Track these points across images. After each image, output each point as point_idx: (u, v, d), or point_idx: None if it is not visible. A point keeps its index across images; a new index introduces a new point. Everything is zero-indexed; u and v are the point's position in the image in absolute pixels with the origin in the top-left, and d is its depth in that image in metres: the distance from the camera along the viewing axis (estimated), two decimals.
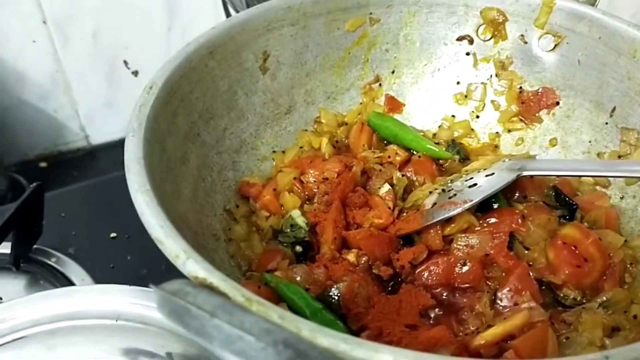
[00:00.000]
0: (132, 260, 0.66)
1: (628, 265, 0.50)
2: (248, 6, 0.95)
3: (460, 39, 0.64)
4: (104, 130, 1.18)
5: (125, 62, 1.10)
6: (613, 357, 0.30)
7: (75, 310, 0.51)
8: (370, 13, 0.63)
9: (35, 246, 0.66)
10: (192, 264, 0.34)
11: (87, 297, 0.51)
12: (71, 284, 0.63)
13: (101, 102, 1.15)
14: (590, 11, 0.57)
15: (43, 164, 1.11)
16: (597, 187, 0.57)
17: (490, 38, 0.63)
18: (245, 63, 0.58)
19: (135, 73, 1.12)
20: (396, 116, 0.67)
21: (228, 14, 0.99)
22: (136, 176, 0.40)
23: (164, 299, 0.28)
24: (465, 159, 0.61)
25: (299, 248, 0.50)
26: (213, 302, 0.25)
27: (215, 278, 0.33)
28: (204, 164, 0.54)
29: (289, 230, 0.51)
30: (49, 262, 0.65)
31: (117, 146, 1.23)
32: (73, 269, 0.64)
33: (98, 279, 0.63)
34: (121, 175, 0.83)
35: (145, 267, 0.65)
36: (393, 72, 0.66)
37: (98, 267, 0.64)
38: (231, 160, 0.58)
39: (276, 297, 0.46)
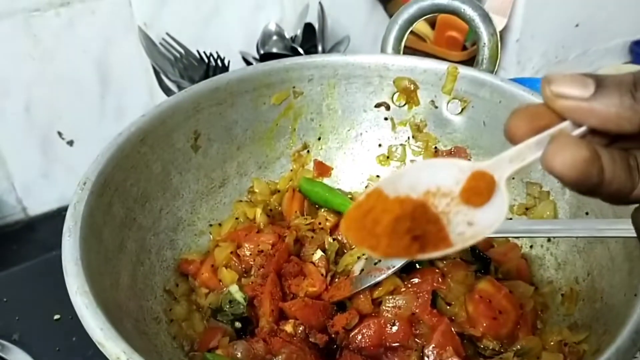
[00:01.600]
0: (77, 341, 0.67)
1: (539, 312, 0.55)
2: (179, 72, 0.99)
3: (378, 105, 0.69)
4: (42, 201, 1.18)
5: (60, 133, 1.11)
6: None
7: None
8: (294, 87, 0.68)
9: None
10: None
11: None
12: None
13: (37, 174, 1.15)
14: (490, 78, 0.63)
15: None
16: (510, 239, 0.62)
17: (405, 104, 0.68)
18: (177, 144, 0.61)
19: (71, 143, 1.13)
20: (325, 180, 0.71)
21: (160, 80, 1.02)
22: (74, 278, 0.43)
23: None
24: None
25: (238, 324, 0.53)
26: None
27: None
28: (142, 248, 0.56)
29: (227, 307, 0.54)
30: None
31: (56, 216, 1.22)
32: (19, 356, 0.65)
33: None
34: (58, 255, 0.83)
35: (91, 347, 0.66)
36: (319, 138, 0.71)
37: (44, 351, 0.65)
38: (169, 239, 0.60)
39: None
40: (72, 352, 0.66)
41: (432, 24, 1.07)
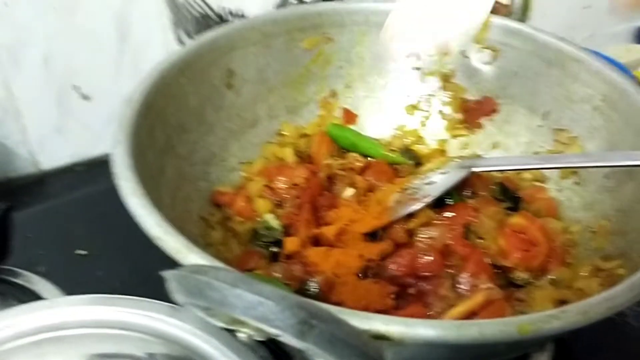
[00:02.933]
0: (103, 276, 0.67)
1: (569, 248, 0.56)
2: (198, 29, 0.99)
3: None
4: (55, 156, 1.17)
5: (76, 87, 1.11)
6: (569, 311, 0.35)
7: (60, 321, 0.52)
8: (325, 32, 0.68)
9: (3, 267, 0.66)
10: (194, 258, 0.38)
11: (70, 308, 0.53)
12: None
13: (52, 128, 1.14)
14: (523, 27, 0.65)
15: None
16: (536, 183, 0.63)
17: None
18: (212, 80, 0.62)
19: (86, 98, 1.12)
20: (352, 127, 0.72)
21: (179, 38, 1.02)
22: (128, 182, 0.43)
23: (182, 278, 0.31)
24: (418, 163, 0.67)
25: (274, 248, 0.54)
26: (233, 276, 0.29)
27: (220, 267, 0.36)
28: (179, 175, 0.57)
29: (264, 232, 0.55)
30: (19, 282, 0.65)
31: (68, 172, 1.22)
32: (44, 287, 0.65)
33: (70, 295, 0.64)
34: (83, 197, 0.84)
35: (117, 280, 0.67)
36: (348, 86, 0.72)
37: (69, 283, 0.65)
38: (203, 171, 0.61)
39: None
40: (98, 285, 0.66)
41: None
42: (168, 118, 0.56)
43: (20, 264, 0.67)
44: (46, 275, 0.67)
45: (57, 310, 0.53)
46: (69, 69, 1.07)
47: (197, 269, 0.30)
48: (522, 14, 0.66)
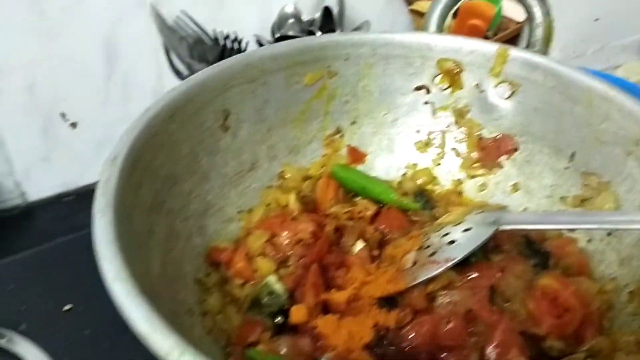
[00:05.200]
0: (90, 334, 0.62)
1: (605, 311, 0.51)
2: (191, 53, 0.94)
3: (417, 88, 0.65)
4: (42, 187, 1.12)
5: (63, 114, 1.05)
6: None
7: None
8: (329, 66, 0.63)
9: None
10: None
11: None
12: None
13: (38, 157, 1.09)
14: (544, 61, 0.59)
15: None
16: (564, 232, 0.58)
17: (447, 87, 0.64)
18: (205, 123, 0.56)
19: (74, 125, 1.07)
20: (359, 167, 0.66)
21: (171, 62, 0.97)
22: (110, 263, 0.37)
23: None
24: (433, 207, 0.61)
25: (280, 319, 0.48)
26: None
27: None
28: (171, 233, 0.51)
29: (266, 299, 0.49)
30: (0, 344, 0.60)
31: (55, 202, 1.16)
32: (27, 349, 0.59)
33: (56, 358, 0.58)
34: (68, 240, 0.78)
35: (105, 340, 0.61)
36: (353, 122, 0.66)
37: (54, 344, 0.60)
38: (197, 225, 0.55)
39: None
40: (85, 346, 0.61)
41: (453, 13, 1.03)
42: (157, 171, 0.50)
43: (1, 321, 0.62)
44: (29, 335, 0.61)
45: None
46: (55, 96, 1.01)
47: None
48: (544, 45, 0.61)
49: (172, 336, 0.33)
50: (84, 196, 1.17)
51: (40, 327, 0.62)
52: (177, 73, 0.97)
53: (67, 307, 0.65)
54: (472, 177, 0.65)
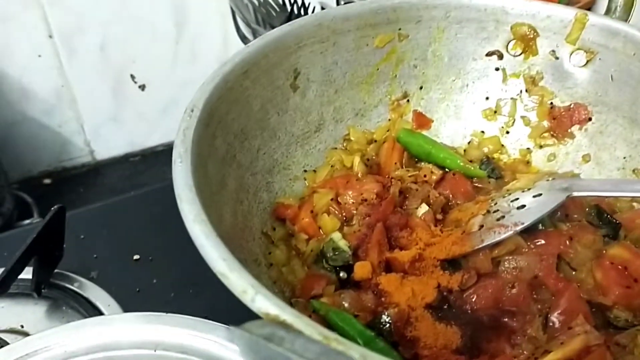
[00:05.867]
0: (157, 284, 0.64)
1: None
2: (257, 18, 0.94)
3: (489, 54, 0.64)
4: (110, 145, 1.16)
5: (132, 76, 1.09)
6: None
7: (113, 341, 0.49)
8: (399, 29, 0.62)
9: (56, 270, 0.64)
10: (262, 300, 0.33)
11: (124, 326, 0.49)
12: (96, 309, 0.61)
13: (107, 117, 1.13)
14: (625, 27, 0.57)
15: (47, 181, 1.09)
16: (635, 204, 0.56)
17: (521, 53, 0.63)
18: (277, 81, 0.57)
19: (142, 87, 1.10)
20: (424, 132, 0.66)
21: (237, 27, 0.98)
22: (190, 205, 0.39)
23: (255, 344, 0.26)
24: (499, 177, 0.61)
25: (343, 274, 0.49)
26: (314, 350, 0.24)
27: (288, 315, 0.32)
28: (241, 186, 0.53)
29: (331, 254, 0.50)
30: (72, 287, 0.63)
31: (123, 161, 1.21)
32: (97, 294, 0.62)
33: (124, 304, 0.61)
34: (136, 196, 0.80)
35: (172, 290, 0.64)
36: (421, 88, 0.66)
37: (123, 291, 0.62)
38: (265, 181, 0.57)
39: (326, 325, 0.44)
40: (152, 294, 0.63)
41: None
42: (230, 125, 0.52)
43: (73, 268, 0.65)
44: (99, 282, 0.64)
45: (110, 329, 0.50)
46: (125, 58, 1.05)
47: (271, 334, 0.26)
48: (625, 12, 0.58)
49: (248, 277, 0.34)
50: (150, 157, 1.21)
51: (110, 275, 0.65)
52: (243, 39, 0.98)
53: (135, 257, 0.67)
54: (541, 146, 0.63)
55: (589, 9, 0.93)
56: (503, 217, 0.50)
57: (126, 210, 0.76)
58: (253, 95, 0.55)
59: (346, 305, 0.46)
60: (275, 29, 0.58)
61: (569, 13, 0.59)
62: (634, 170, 0.58)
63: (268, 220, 0.55)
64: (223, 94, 0.50)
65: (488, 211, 0.52)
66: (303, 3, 0.90)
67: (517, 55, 0.63)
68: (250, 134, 0.55)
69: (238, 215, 0.50)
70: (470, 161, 0.62)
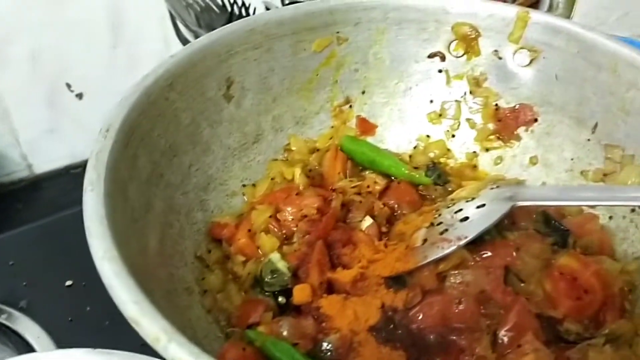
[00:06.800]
0: (91, 311, 0.60)
1: (627, 292, 0.48)
2: (198, 20, 0.90)
3: (431, 55, 0.61)
4: (49, 158, 1.10)
5: (69, 85, 1.03)
6: None
7: None
8: (338, 32, 0.59)
9: None
10: (175, 348, 0.30)
11: None
12: (25, 342, 0.57)
13: (44, 128, 1.07)
14: (567, 25, 0.55)
15: None
16: (584, 208, 0.55)
17: (463, 54, 0.60)
18: (208, 92, 0.54)
19: (80, 95, 1.05)
20: (369, 139, 0.63)
21: (177, 29, 0.94)
22: (100, 240, 0.35)
23: None
24: (445, 182, 0.58)
25: (282, 299, 0.46)
26: None
27: None
28: (170, 208, 0.49)
29: (269, 277, 0.47)
30: None
31: (64, 174, 1.15)
32: (26, 325, 0.58)
33: (55, 335, 0.57)
34: (74, 213, 0.76)
35: (107, 318, 0.60)
36: (364, 92, 0.63)
37: (54, 321, 0.58)
38: (199, 199, 0.53)
39: (263, 358, 0.41)
40: (85, 323, 0.59)
41: None
42: (155, 142, 0.48)
43: (1, 298, 0.60)
44: (29, 311, 0.59)
45: None
46: (60, 65, 0.99)
47: None
48: (567, 9, 0.57)
49: (160, 321, 0.31)
50: None
51: (41, 303, 0.61)
52: (185, 42, 0.94)
53: (68, 283, 0.63)
54: (488, 149, 0.61)
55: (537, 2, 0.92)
56: (447, 230, 0.47)
57: (60, 231, 0.71)
58: (181, 108, 0.51)
59: (285, 333, 0.43)
60: (203, 37, 0.54)
61: (511, 11, 0.57)
62: (582, 172, 0.56)
63: (203, 242, 0.52)
64: (145, 109, 0.47)
65: (432, 224, 0.49)
66: (243, 3, 0.87)
67: (459, 56, 0.61)
68: (180, 149, 0.51)
69: (167, 240, 0.47)
70: (417, 167, 0.60)
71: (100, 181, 0.39)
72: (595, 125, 0.55)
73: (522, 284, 0.47)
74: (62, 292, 0.62)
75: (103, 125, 0.43)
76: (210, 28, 0.90)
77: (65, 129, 1.06)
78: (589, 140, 0.56)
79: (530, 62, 0.58)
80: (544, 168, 0.59)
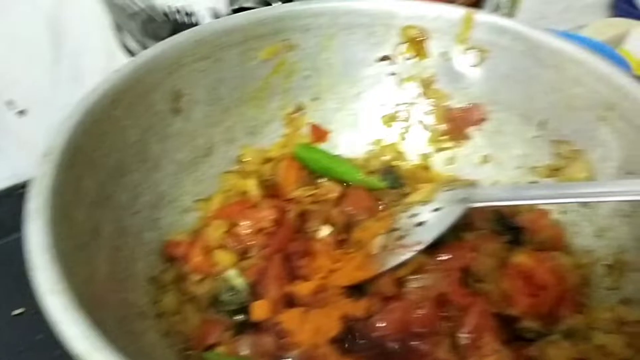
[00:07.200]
0: (42, 340, 0.58)
1: (581, 287, 0.49)
2: (143, 30, 0.88)
3: (382, 59, 0.61)
4: None
5: (9, 102, 0.99)
6: None
7: None
8: (286, 39, 0.59)
9: None
10: None
11: None
12: None
13: None
14: (511, 24, 0.56)
15: None
16: (536, 205, 0.55)
17: (413, 57, 0.61)
18: (155, 107, 0.52)
19: (22, 112, 1.01)
20: (323, 145, 0.63)
21: (122, 40, 0.92)
22: (45, 272, 0.34)
23: None
24: (401, 185, 0.58)
25: (240, 317, 0.45)
26: None
27: None
28: (120, 230, 0.47)
29: (226, 296, 0.46)
30: None
31: (8, 195, 1.10)
32: None
33: None
34: (21, 237, 0.73)
35: (59, 347, 0.57)
36: (315, 98, 0.62)
37: (3, 352, 0.56)
38: (150, 218, 0.52)
39: None
40: (36, 352, 0.57)
41: None
42: (100, 162, 0.46)
43: None
44: None
45: None
46: (0, 83, 0.96)
47: None
48: (511, 9, 0.58)
49: (113, 354, 0.30)
50: None
51: None
52: (131, 52, 0.92)
53: (17, 312, 0.60)
54: (440, 150, 0.62)
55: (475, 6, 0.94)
56: (404, 236, 0.47)
57: (7, 256, 0.68)
58: (128, 125, 0.50)
59: (245, 352, 0.42)
60: (148, 49, 0.52)
61: (457, 12, 0.57)
62: (532, 168, 0.57)
63: (156, 263, 0.50)
64: (88, 128, 0.45)
65: (390, 229, 0.49)
66: (187, 12, 0.85)
67: (409, 59, 0.61)
68: (128, 168, 0.50)
69: (117, 264, 0.45)
70: (372, 172, 0.60)
71: (44, 209, 0.37)
72: (543, 122, 0.56)
73: (480, 284, 0.47)
74: (11, 321, 0.60)
75: (45, 149, 0.41)
76: (157, 37, 0.88)
77: (7, 148, 1.02)
78: (537, 137, 0.57)
79: (479, 62, 0.58)
80: (496, 166, 0.59)
